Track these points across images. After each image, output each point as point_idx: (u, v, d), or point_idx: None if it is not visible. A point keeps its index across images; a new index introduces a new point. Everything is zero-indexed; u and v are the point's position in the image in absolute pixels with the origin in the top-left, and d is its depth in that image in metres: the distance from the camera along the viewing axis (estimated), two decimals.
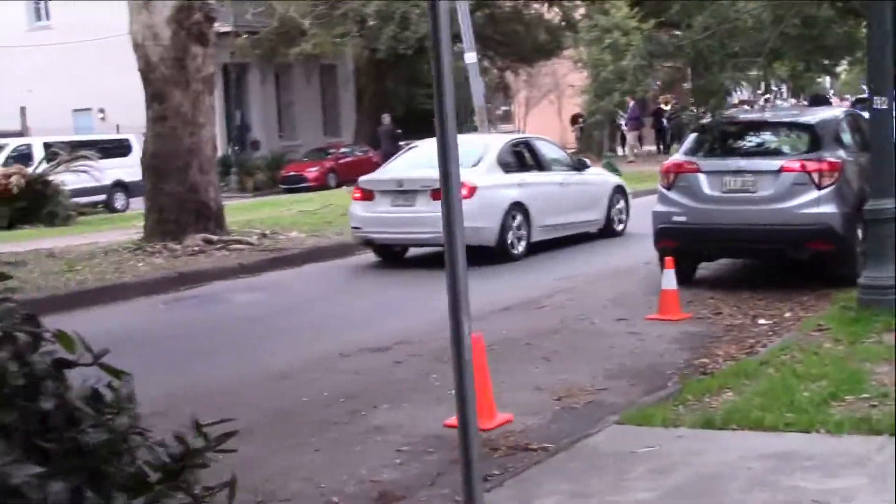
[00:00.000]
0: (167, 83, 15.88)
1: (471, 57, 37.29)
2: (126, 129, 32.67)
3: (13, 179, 21.97)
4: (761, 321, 9.81)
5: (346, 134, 46.43)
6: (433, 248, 14.48)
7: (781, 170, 11.31)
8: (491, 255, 14.27)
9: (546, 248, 15.44)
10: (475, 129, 41.64)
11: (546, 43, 46.19)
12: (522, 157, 16.21)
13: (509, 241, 14.73)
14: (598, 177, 17.80)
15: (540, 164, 16.30)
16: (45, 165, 24.08)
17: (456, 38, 38.44)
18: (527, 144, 16.78)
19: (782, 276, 12.01)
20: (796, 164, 11.27)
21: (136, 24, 15.93)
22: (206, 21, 16.01)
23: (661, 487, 5.01)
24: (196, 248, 15.48)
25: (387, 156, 41.22)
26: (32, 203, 22.04)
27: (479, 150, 15.52)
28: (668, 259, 10.44)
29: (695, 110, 11.99)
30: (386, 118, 41.42)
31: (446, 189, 3.89)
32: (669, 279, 10.25)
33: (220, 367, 9.28)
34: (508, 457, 6.31)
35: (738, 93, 37.87)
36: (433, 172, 14.66)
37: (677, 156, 12.19)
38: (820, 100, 36.67)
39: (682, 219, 11.69)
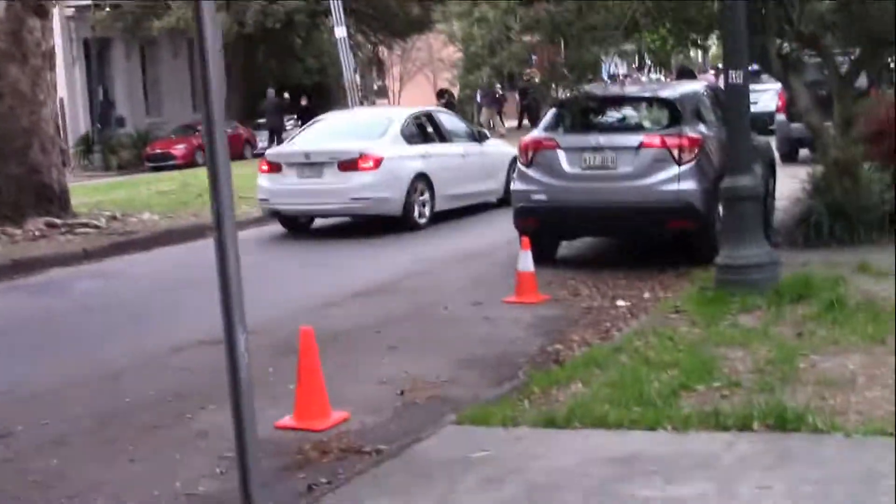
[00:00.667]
0: (2, 58, 14.91)
1: (340, 31, 36.61)
2: None
3: None
4: (620, 303, 9.49)
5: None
6: (340, 217, 15.77)
7: (641, 146, 11.01)
8: (396, 224, 14.94)
9: (449, 217, 15.99)
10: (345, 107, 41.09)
11: (419, 17, 45.61)
12: (425, 129, 16.63)
13: (415, 212, 15.24)
14: (497, 148, 18.07)
15: (442, 136, 16.77)
16: None
17: (327, 13, 37.73)
18: (429, 117, 17.19)
19: (645, 254, 11.75)
20: (656, 140, 10.99)
21: None
22: None
23: (491, 501, 4.56)
24: (38, 233, 14.59)
25: (273, 130, 40.50)
26: None
27: (384, 122, 16.15)
28: (525, 239, 10.02)
29: (551, 85, 11.60)
30: (271, 92, 40.47)
31: (215, 185, 3.34)
32: (526, 261, 9.85)
33: (47, 365, 8.56)
34: (340, 461, 5.82)
35: (615, 67, 37.75)
36: (340, 145, 15.04)
37: (536, 132, 11.81)
38: (685, 73, 36.81)
39: (542, 197, 11.32)
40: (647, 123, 11.51)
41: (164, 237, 15.29)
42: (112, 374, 8.13)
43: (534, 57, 33.20)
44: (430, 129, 16.68)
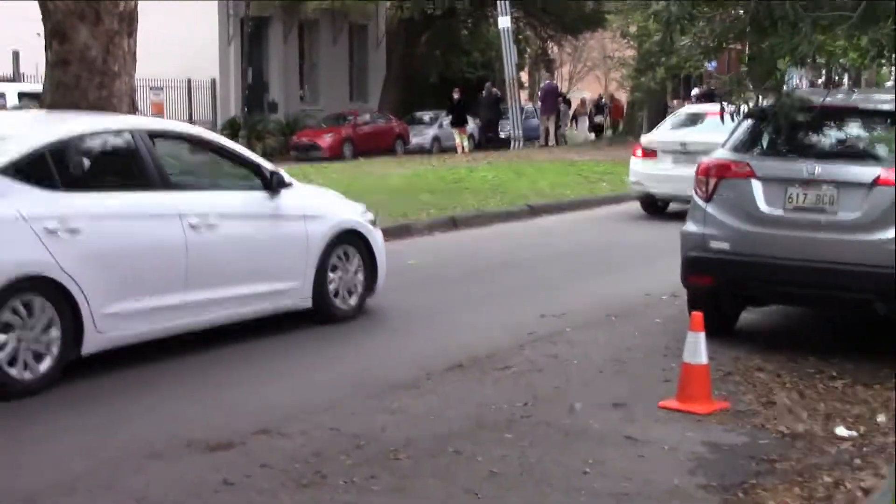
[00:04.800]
0: (70, 16, 12.25)
1: (504, 21, 33.56)
2: None
3: None
4: (840, 431, 6.09)
5: (373, 101, 42.84)
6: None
7: (877, 182, 7.60)
8: None
9: None
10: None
11: (592, 12, 42.26)
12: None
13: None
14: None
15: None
16: None
17: (494, 2, 34.78)
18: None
19: (873, 332, 8.32)
20: None
21: None
22: None
23: None
24: None
25: (489, 123, 37.91)
26: None
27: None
28: (696, 316, 6.65)
29: (746, 87, 8.23)
30: (488, 85, 38.04)
31: None
32: (697, 348, 6.52)
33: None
34: None
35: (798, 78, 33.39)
36: (715, 137, 11.71)
37: (721, 152, 8.47)
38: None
39: (724, 246, 8.01)
40: (883, 151, 8.01)
41: None
42: None
43: (711, 62, 29.54)
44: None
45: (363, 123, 36.94)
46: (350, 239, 9.12)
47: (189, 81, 36.47)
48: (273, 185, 8.52)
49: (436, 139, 38.24)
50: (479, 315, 9.39)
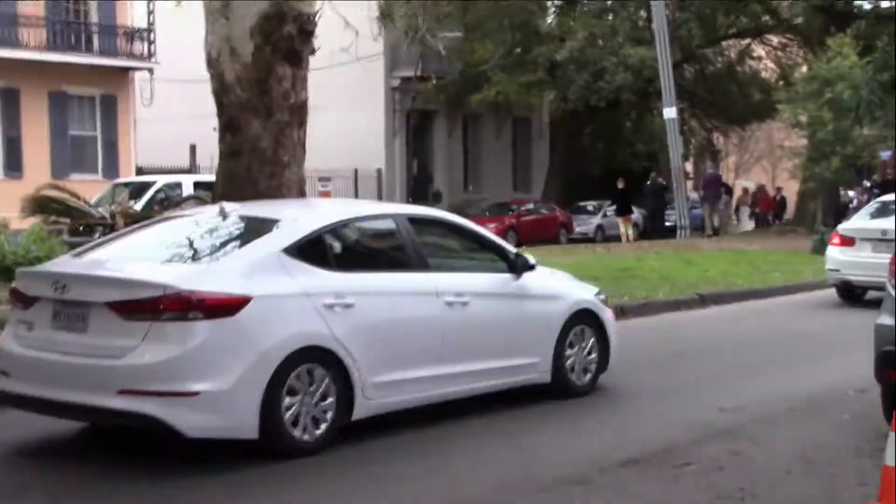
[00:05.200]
0: (243, 110, 12.55)
1: (670, 112, 33.20)
2: None
3: (117, 219, 19.22)
4: None
5: (536, 191, 42.97)
6: None
7: None
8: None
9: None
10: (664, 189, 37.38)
11: (760, 103, 41.50)
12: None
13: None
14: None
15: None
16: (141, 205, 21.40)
17: (659, 93, 34.44)
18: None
19: None
20: None
21: (213, 36, 12.66)
22: (300, 35, 12.61)
23: None
24: None
25: (654, 212, 37.64)
26: None
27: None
28: None
29: None
30: (653, 175, 37.94)
31: None
32: None
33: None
34: None
35: None
36: None
37: None
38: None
39: None
40: None
41: None
42: None
43: (888, 152, 28.40)
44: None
45: (527, 213, 37.04)
46: (585, 318, 9.51)
47: (356, 171, 37.22)
48: (518, 266, 9.03)
49: (599, 228, 38.11)
50: (653, 406, 9.01)
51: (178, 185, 26.62)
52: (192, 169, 33.77)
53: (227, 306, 7.00)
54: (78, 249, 8.88)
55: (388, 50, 37.70)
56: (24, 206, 20.48)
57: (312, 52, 13.25)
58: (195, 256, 7.76)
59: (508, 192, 42.21)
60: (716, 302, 16.57)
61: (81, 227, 20.66)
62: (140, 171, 32.67)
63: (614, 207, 36.31)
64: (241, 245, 7.70)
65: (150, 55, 33.70)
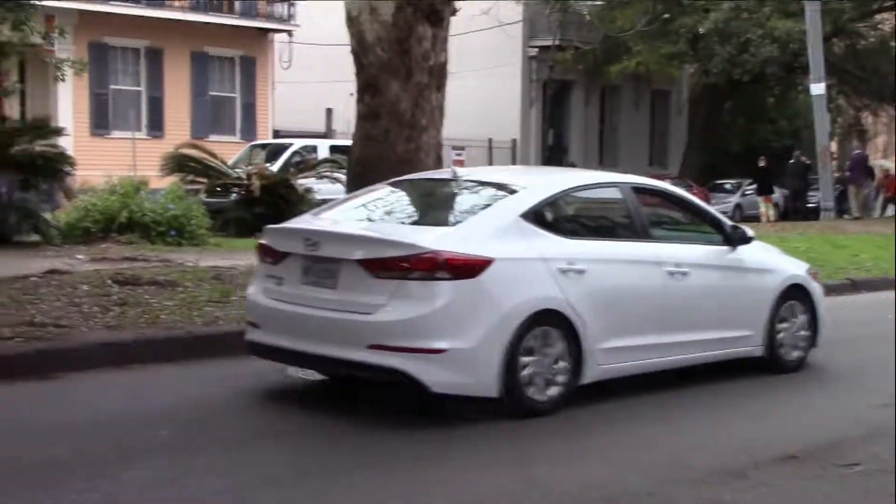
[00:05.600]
0: (383, 71, 12.26)
1: (818, 88, 31.78)
2: None
3: (254, 180, 19.29)
4: None
5: (673, 167, 42.00)
6: None
7: None
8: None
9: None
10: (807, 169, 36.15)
11: None
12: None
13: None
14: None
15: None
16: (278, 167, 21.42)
17: (805, 68, 33.19)
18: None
19: None
20: None
21: None
22: None
23: None
24: None
25: (796, 193, 36.70)
26: (273, 209, 19.12)
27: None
28: None
29: None
30: (797, 153, 36.85)
31: None
32: None
33: None
34: None
35: None
36: None
37: None
38: None
39: None
40: None
41: None
42: None
43: None
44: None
45: None
46: (796, 293, 9.43)
47: (490, 141, 36.87)
48: (734, 239, 9.02)
49: (738, 207, 36.98)
50: (812, 398, 8.49)
51: (314, 149, 26.75)
52: (328, 133, 33.95)
53: (472, 267, 7.17)
54: (315, 210, 9.26)
55: (526, 18, 37.15)
56: (163, 165, 20.74)
57: (454, 12, 12.90)
58: (437, 219, 8.06)
59: (644, 167, 41.27)
60: (870, 288, 15.71)
61: (218, 188, 20.86)
62: (277, 134, 32.95)
63: (754, 186, 35.17)
64: (482, 209, 7.86)
65: (290, 17, 33.87)
